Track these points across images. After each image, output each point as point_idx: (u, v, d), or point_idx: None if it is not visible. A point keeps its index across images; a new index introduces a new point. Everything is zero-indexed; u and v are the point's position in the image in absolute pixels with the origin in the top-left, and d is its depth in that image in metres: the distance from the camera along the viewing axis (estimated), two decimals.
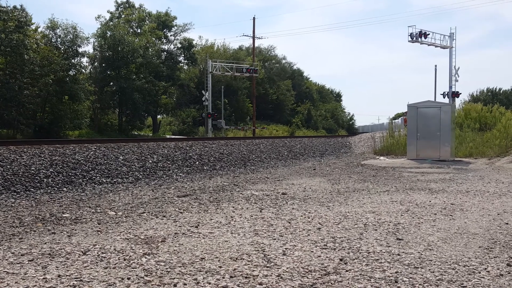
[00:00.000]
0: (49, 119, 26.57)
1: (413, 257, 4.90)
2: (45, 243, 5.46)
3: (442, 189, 10.38)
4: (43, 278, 4.18)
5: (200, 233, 5.98)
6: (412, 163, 17.75)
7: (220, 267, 4.55)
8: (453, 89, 33.11)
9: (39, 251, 5.09)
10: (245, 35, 46.25)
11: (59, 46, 28.36)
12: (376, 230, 6.16)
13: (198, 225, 6.48)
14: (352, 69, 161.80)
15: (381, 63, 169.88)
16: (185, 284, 4.06)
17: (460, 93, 33.70)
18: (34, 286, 3.99)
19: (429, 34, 31.23)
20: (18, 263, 4.63)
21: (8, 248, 5.23)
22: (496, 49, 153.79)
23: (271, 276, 4.29)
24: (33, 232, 6.10)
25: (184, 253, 5.03)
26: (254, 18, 43.32)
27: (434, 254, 5.03)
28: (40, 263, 4.65)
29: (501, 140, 20.56)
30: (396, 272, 4.39)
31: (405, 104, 44.73)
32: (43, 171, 10.48)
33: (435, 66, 52.03)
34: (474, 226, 6.43)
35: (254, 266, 4.57)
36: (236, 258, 4.83)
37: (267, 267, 4.56)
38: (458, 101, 33.66)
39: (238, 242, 5.51)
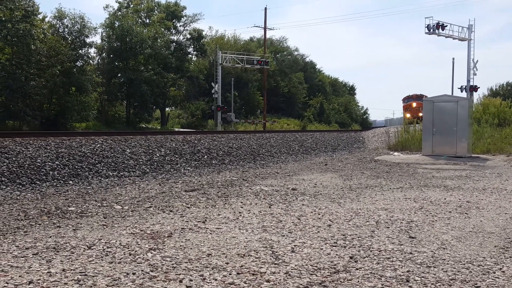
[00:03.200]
0: (56, 111, 26.62)
1: (426, 256, 4.78)
2: (50, 236, 5.40)
3: (457, 186, 10.21)
4: (48, 272, 4.11)
5: (207, 228, 5.88)
6: (427, 159, 17.52)
7: (227, 263, 4.46)
8: (471, 83, 32.70)
9: (44, 244, 5.02)
10: (256, 26, 46.11)
11: (67, 36, 28.38)
12: (388, 227, 6.03)
13: (206, 220, 6.39)
14: (367, 61, 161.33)
15: (397, 56, 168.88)
16: (191, 280, 3.97)
17: (479, 87, 33.32)
18: (38, 280, 3.93)
19: (446, 26, 30.83)
20: (22, 257, 4.57)
21: (13, 241, 5.17)
22: None
23: (279, 273, 4.19)
24: (38, 225, 6.04)
25: (191, 248, 4.94)
26: (265, 9, 43.26)
27: (447, 253, 4.90)
28: (45, 257, 4.59)
29: None
30: (408, 271, 4.28)
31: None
32: (49, 163, 10.43)
33: (453, 59, 51.15)
34: (490, 225, 6.27)
35: (261, 263, 4.47)
36: (244, 255, 4.74)
37: (275, 264, 4.46)
38: (476, 96, 33.33)
39: (246, 238, 5.41)
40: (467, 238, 5.56)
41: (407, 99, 47.36)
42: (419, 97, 45.35)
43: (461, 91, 32.96)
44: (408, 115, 44.59)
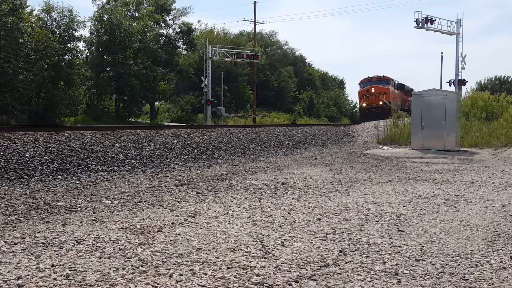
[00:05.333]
0: (44, 105, 26.38)
1: (415, 249, 4.82)
2: (39, 232, 5.37)
3: (446, 180, 10.27)
4: (36, 268, 4.10)
5: (197, 223, 5.88)
6: (416, 153, 17.63)
7: (217, 257, 4.46)
8: (459, 77, 32.79)
9: (33, 240, 5.00)
10: (246, 20, 45.86)
11: (55, 29, 28.10)
12: (378, 221, 6.06)
13: (196, 215, 6.39)
14: (356, 55, 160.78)
15: (386, 50, 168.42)
16: (181, 275, 3.98)
17: (467, 81, 33.41)
18: (27, 275, 3.91)
19: (435, 20, 30.84)
20: (11, 252, 4.55)
21: (1, 236, 5.14)
22: (505, 36, 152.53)
23: (269, 267, 4.20)
24: (26, 220, 6.00)
25: (181, 243, 4.94)
26: (255, 2, 42.96)
27: (436, 246, 4.94)
28: (34, 252, 4.57)
29: (508, 130, 20.40)
30: (396, 264, 4.32)
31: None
32: (38, 158, 10.35)
33: (441, 53, 51.21)
34: (478, 218, 6.34)
35: (251, 257, 4.48)
36: (234, 249, 4.74)
37: (265, 258, 4.47)
38: (464, 90, 33.38)
39: (236, 232, 5.41)
40: (455, 231, 5.61)
41: (364, 83, 38.88)
42: (380, 80, 37.75)
43: (450, 85, 33.13)
44: (364, 104, 37.54)
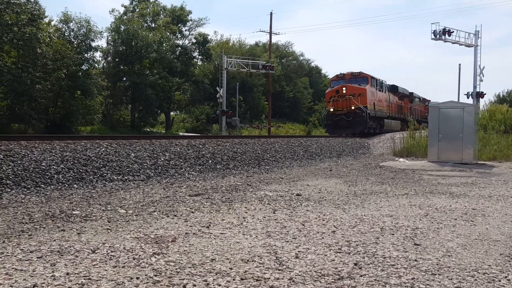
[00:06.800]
0: (61, 114, 26.77)
1: (431, 263, 4.75)
2: (54, 240, 5.41)
3: (463, 194, 10.14)
4: (52, 276, 4.12)
5: (211, 233, 5.87)
6: (433, 165, 17.45)
7: (231, 268, 4.45)
8: (477, 89, 32.46)
9: (48, 248, 5.03)
10: (262, 31, 46.55)
11: (72, 40, 28.63)
12: (393, 234, 6.00)
13: (210, 225, 6.38)
14: (372, 67, 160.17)
15: (403, 61, 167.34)
16: (195, 286, 3.97)
17: (485, 94, 33.01)
18: (42, 283, 3.93)
19: (453, 32, 30.62)
20: (26, 260, 4.58)
21: (17, 244, 5.18)
22: None
23: (283, 279, 4.18)
24: (42, 229, 6.04)
25: (195, 253, 4.94)
26: (271, 13, 43.17)
27: (453, 260, 4.87)
28: (49, 260, 4.60)
29: None
30: (412, 279, 4.26)
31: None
32: (54, 167, 10.44)
33: (459, 65, 50.47)
34: (495, 233, 6.23)
35: (265, 269, 4.46)
36: (248, 260, 4.72)
37: (279, 270, 4.44)
38: (482, 102, 33.01)
39: (250, 243, 5.39)
40: (473, 245, 5.52)
41: (335, 81, 30.48)
42: (355, 78, 29.26)
43: (467, 98, 32.79)
44: (331, 109, 29.24)
